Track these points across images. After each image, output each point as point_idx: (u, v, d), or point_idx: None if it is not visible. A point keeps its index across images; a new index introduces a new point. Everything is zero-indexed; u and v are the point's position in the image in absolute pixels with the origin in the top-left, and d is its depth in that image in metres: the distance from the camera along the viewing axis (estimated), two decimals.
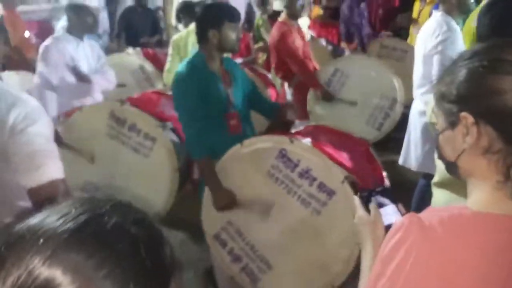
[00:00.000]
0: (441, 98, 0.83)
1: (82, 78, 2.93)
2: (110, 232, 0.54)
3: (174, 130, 2.57)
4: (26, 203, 1.35)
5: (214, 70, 2.24)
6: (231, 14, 2.23)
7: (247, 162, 2.06)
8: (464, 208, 0.79)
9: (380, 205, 0.96)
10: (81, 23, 2.99)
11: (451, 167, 0.85)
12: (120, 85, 3.63)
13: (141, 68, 4.33)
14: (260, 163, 2.02)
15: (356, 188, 1.90)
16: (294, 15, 3.65)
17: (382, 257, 0.80)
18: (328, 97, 3.77)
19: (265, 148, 2.02)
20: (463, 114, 0.77)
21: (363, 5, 5.13)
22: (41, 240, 0.51)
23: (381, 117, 3.84)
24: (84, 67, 2.99)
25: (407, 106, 3.57)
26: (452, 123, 0.80)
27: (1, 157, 1.30)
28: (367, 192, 0.98)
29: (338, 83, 3.89)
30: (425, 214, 0.81)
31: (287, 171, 1.96)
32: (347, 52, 4.86)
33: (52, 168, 1.35)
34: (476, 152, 0.77)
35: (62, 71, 2.94)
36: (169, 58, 3.77)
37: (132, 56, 4.42)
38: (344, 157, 2.03)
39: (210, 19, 2.18)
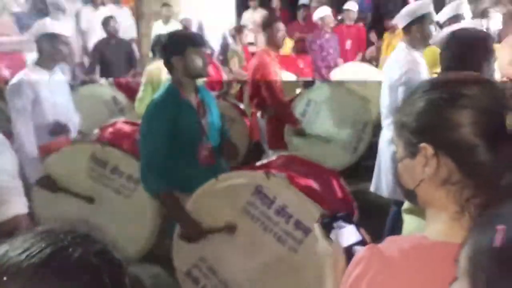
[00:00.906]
0: (400, 127, 0.84)
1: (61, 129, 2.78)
2: (74, 265, 0.55)
3: None
4: None
5: (188, 100, 2.21)
6: (193, 39, 2.23)
7: (222, 198, 2.03)
8: (423, 237, 0.80)
9: (340, 228, 0.96)
10: (56, 52, 2.77)
11: (409, 194, 0.85)
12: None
13: (113, 99, 4.31)
14: (236, 199, 2.00)
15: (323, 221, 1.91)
16: (276, 45, 3.59)
17: None
18: (301, 133, 3.86)
19: (241, 184, 2.00)
20: (423, 145, 0.78)
21: (328, 35, 5.34)
22: (6, 277, 0.52)
23: (355, 140, 4.02)
24: (56, 100, 2.81)
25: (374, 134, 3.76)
26: (412, 153, 0.80)
27: None
28: (329, 219, 0.98)
29: (313, 112, 4.03)
30: (385, 245, 0.81)
31: (263, 208, 1.94)
32: (317, 82, 5.03)
33: (16, 204, 1.31)
34: (435, 182, 0.78)
35: (37, 109, 2.72)
36: (141, 87, 3.78)
37: (105, 87, 4.40)
38: (316, 189, 2.04)
39: (173, 46, 2.17)
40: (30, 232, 0.60)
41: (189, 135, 2.18)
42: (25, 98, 2.66)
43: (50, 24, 2.84)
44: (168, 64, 2.19)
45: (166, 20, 6.34)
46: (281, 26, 3.57)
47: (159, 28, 6.31)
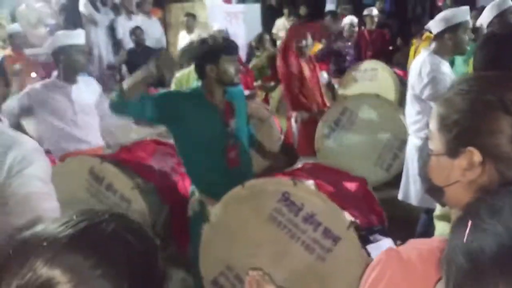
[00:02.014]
0: (444, 121, 0.79)
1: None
2: (107, 237, 0.59)
3: (155, 190, 2.50)
4: None
5: (215, 103, 2.22)
6: (227, 47, 2.23)
7: (248, 205, 2.00)
8: (444, 241, 0.77)
9: (376, 241, 0.95)
10: (73, 62, 2.76)
11: (434, 190, 0.82)
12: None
13: None
14: (262, 206, 1.97)
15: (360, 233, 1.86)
16: (300, 51, 3.66)
17: None
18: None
19: (267, 191, 1.97)
20: (471, 149, 0.73)
21: (350, 43, 5.43)
22: (44, 244, 0.57)
23: (390, 157, 3.80)
24: (79, 110, 2.82)
25: None
26: (453, 153, 0.76)
27: None
28: (365, 231, 0.98)
29: (347, 122, 3.86)
30: (404, 248, 0.79)
31: (290, 215, 1.90)
32: (336, 85, 5.03)
33: (47, 211, 1.34)
34: (472, 187, 0.75)
35: (49, 120, 2.78)
36: None
37: None
38: (343, 197, 2.00)
39: (207, 55, 2.18)
40: (71, 211, 0.65)
41: (215, 138, 2.19)
42: (28, 107, 2.73)
43: (63, 36, 2.85)
44: (201, 72, 2.21)
45: (190, 30, 6.45)
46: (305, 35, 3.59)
47: (184, 38, 6.44)
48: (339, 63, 5.36)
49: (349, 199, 2.06)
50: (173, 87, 3.87)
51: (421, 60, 2.62)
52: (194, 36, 6.39)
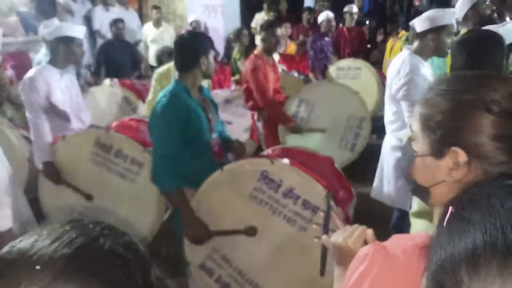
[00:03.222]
0: (427, 121, 0.79)
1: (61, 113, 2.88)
2: (105, 257, 0.53)
3: None
4: None
5: (195, 98, 2.26)
6: (212, 42, 2.37)
7: (229, 187, 2.06)
8: (429, 237, 0.80)
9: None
10: (70, 54, 2.86)
11: (420, 191, 0.82)
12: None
13: (125, 98, 4.35)
14: (242, 186, 2.03)
15: (337, 203, 1.95)
16: (269, 49, 3.64)
17: (349, 287, 0.79)
18: (297, 130, 3.82)
19: (246, 171, 2.04)
20: (456, 149, 0.74)
21: (327, 38, 5.45)
22: (37, 267, 0.49)
23: (352, 137, 3.91)
24: (66, 99, 2.91)
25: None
26: (438, 153, 0.77)
27: None
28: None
29: (305, 112, 3.95)
30: (389, 243, 0.80)
31: (270, 191, 1.98)
32: (314, 81, 5.04)
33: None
34: (456, 186, 0.75)
35: (46, 102, 2.81)
36: (151, 89, 3.80)
37: (116, 88, 4.43)
38: (317, 174, 2.07)
39: (202, 47, 2.25)
40: (56, 223, 0.57)
41: (201, 131, 2.22)
42: (36, 92, 2.75)
43: (66, 27, 2.93)
44: (192, 65, 2.21)
45: (157, 23, 6.38)
46: (277, 31, 3.58)
47: (150, 31, 6.36)
48: (318, 60, 5.39)
49: (320, 175, 2.12)
50: (153, 82, 3.82)
51: (401, 60, 2.55)
52: (164, 29, 6.34)
